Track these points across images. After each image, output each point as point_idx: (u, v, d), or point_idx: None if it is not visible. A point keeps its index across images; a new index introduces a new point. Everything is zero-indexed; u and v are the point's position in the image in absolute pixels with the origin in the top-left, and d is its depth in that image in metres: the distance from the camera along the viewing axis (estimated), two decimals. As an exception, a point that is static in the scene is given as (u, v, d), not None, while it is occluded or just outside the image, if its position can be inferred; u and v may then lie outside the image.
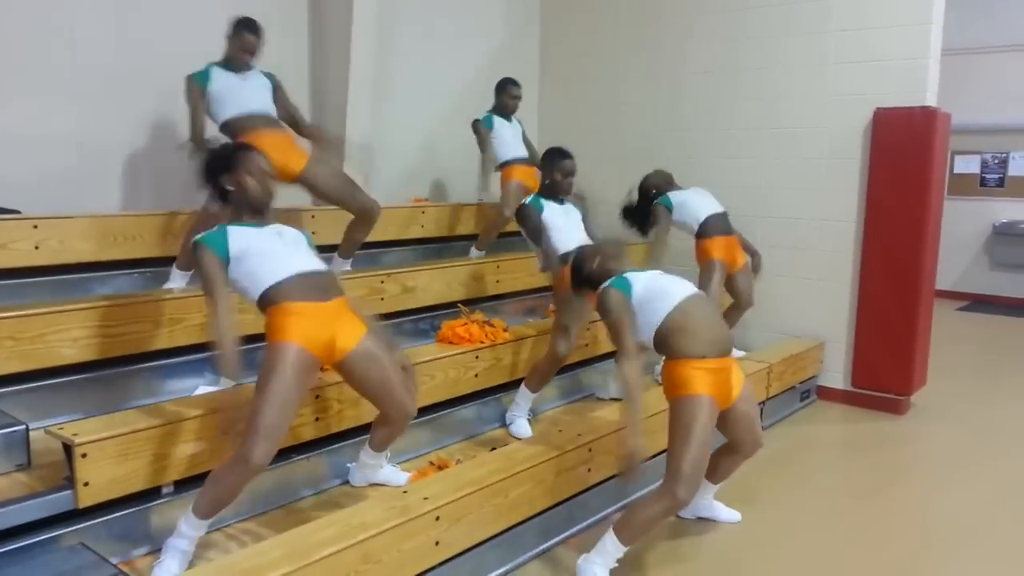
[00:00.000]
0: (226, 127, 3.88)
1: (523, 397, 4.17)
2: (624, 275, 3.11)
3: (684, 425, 2.88)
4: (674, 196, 5.00)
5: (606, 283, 3.11)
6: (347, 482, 3.48)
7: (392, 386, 3.00)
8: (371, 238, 4.96)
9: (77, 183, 4.21)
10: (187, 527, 2.69)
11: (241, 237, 2.82)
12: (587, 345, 4.74)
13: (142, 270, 3.97)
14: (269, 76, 4.07)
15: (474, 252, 5.32)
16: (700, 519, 3.61)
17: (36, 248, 3.61)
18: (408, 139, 5.87)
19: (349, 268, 4.44)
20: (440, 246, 5.41)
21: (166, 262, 3.91)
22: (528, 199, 4.17)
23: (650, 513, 2.92)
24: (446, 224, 5.45)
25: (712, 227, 4.92)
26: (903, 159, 5.06)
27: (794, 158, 5.56)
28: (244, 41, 3.91)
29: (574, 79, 6.52)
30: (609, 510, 3.53)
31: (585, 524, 3.46)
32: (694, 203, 4.96)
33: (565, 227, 4.08)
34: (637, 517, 2.95)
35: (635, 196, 5.10)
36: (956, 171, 9.61)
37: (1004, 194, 9.52)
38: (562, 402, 4.70)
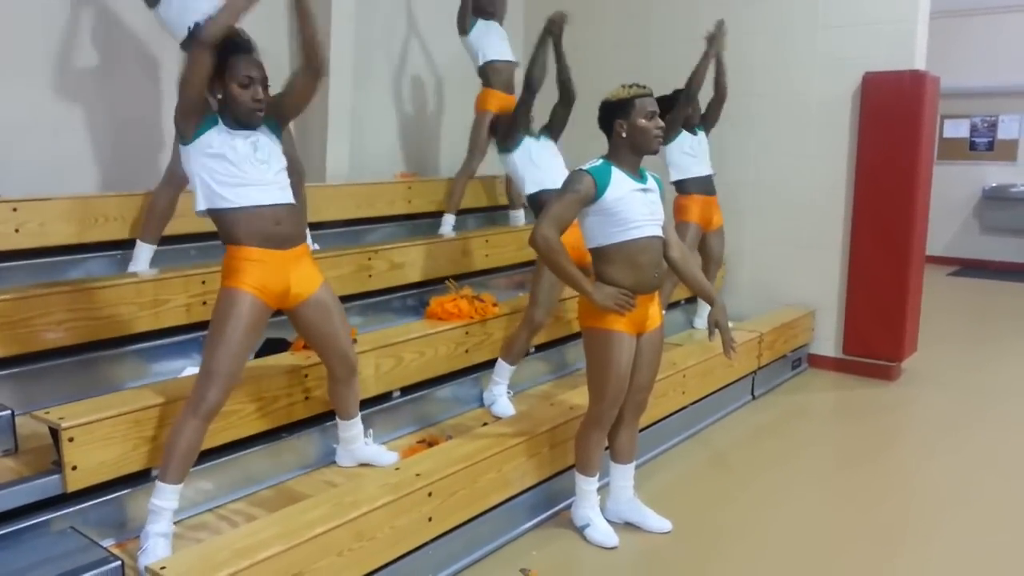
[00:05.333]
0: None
1: (501, 372, 4.08)
2: (609, 167, 2.93)
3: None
4: (680, 136, 4.88)
5: (587, 167, 2.93)
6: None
7: (338, 338, 3.02)
8: (358, 214, 4.93)
9: (55, 165, 4.14)
10: (159, 499, 2.63)
11: (217, 133, 2.70)
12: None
13: (125, 251, 3.91)
14: None
15: (447, 220, 5.13)
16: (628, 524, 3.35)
17: (16, 231, 3.55)
18: (392, 114, 5.80)
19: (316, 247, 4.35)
20: (428, 222, 5.36)
21: (149, 243, 3.85)
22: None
23: (584, 436, 3.12)
24: (433, 199, 5.40)
25: (696, 185, 4.91)
26: (892, 124, 5.03)
27: (783, 124, 5.52)
28: None
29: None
30: (604, 481, 3.52)
31: (579, 496, 3.46)
32: (693, 156, 4.90)
33: (543, 163, 3.98)
34: (577, 446, 3.17)
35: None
36: (945, 135, 9.60)
37: (993, 158, 9.51)
38: (553, 376, 4.69)
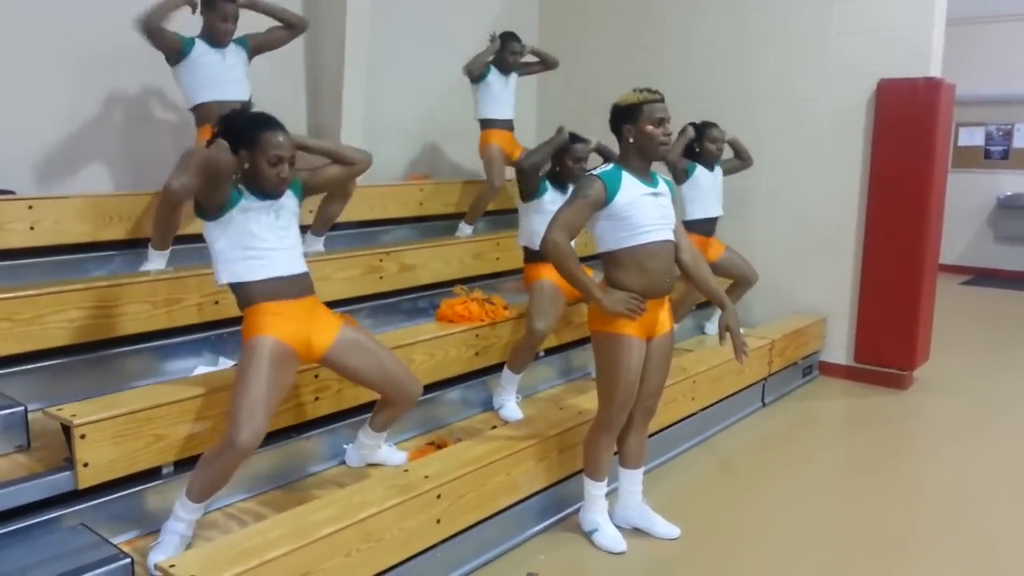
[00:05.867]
0: (200, 110, 3.75)
1: (508, 380, 4.08)
2: (620, 171, 2.94)
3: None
4: (697, 172, 4.86)
5: (598, 171, 2.94)
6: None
7: (389, 370, 2.99)
8: (370, 216, 4.94)
9: (70, 163, 4.18)
10: (182, 511, 2.68)
11: (242, 206, 2.73)
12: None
13: (138, 250, 3.93)
14: (242, 42, 3.89)
15: (464, 228, 5.23)
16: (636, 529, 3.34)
17: (31, 229, 3.58)
18: (405, 117, 5.81)
19: (322, 249, 4.31)
20: (439, 224, 5.37)
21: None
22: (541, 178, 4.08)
23: (593, 441, 3.13)
24: (445, 202, 5.41)
25: (698, 226, 4.84)
26: (907, 131, 5.01)
27: (797, 130, 5.50)
28: (220, 11, 3.72)
29: (574, 53, 6.42)
30: (613, 486, 3.52)
31: (587, 501, 3.46)
32: (704, 195, 4.88)
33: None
34: (586, 451, 3.17)
35: (690, 133, 4.85)
36: (960, 143, 9.55)
37: (1008, 166, 9.46)
38: (562, 380, 4.69)
